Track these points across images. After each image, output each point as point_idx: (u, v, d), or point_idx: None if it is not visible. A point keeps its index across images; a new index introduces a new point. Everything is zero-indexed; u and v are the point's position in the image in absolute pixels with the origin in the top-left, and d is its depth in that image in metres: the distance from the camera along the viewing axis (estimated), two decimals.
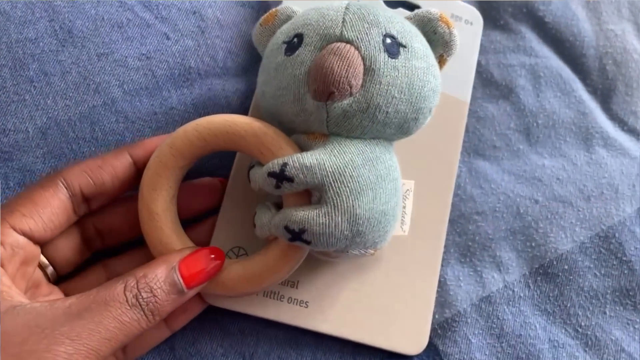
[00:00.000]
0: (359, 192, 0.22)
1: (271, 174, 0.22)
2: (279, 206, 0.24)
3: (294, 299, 0.27)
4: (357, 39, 0.22)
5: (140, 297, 0.20)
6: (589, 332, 0.28)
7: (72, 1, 0.29)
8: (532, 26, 0.33)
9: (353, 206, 0.22)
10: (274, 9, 0.26)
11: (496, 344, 0.28)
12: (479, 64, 0.32)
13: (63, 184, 0.23)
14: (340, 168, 0.22)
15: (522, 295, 0.29)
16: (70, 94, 0.28)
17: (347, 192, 0.22)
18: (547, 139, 0.32)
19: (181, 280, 0.21)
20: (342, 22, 0.23)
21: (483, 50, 0.33)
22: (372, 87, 0.22)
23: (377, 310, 0.27)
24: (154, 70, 0.29)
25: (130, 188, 0.25)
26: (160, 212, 0.24)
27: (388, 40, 0.23)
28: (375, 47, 0.22)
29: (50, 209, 0.22)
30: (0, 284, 0.20)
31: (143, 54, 0.29)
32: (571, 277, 0.29)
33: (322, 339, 0.27)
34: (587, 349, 0.28)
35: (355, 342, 0.27)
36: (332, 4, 0.24)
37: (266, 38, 0.26)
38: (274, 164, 0.22)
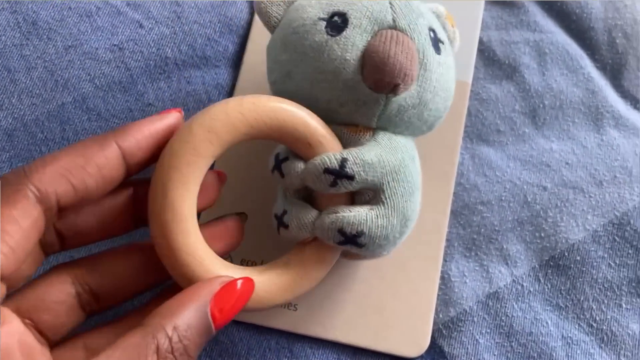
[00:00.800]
0: (410, 193, 0.22)
1: (329, 171, 0.21)
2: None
3: None
4: (410, 28, 0.22)
5: (174, 351, 0.18)
6: (604, 327, 0.27)
7: None
8: (536, 0, 0.31)
9: (405, 207, 0.22)
10: None
11: (505, 343, 0.27)
12: (480, 41, 0.31)
13: (35, 194, 0.18)
14: (397, 166, 0.22)
15: (531, 290, 0.28)
16: (37, 92, 0.27)
17: (401, 191, 0.22)
18: (555, 121, 0.30)
19: (212, 323, 0.19)
20: (391, 7, 0.22)
21: (485, 26, 0.31)
22: (425, 82, 0.22)
23: (372, 311, 0.27)
24: (127, 63, 0.28)
25: (113, 188, 0.20)
26: (188, 214, 0.20)
27: (432, 35, 0.23)
28: (425, 40, 0.22)
29: (20, 234, 0.17)
30: None
31: (115, 45, 0.28)
32: (584, 269, 0.28)
33: (317, 344, 0.26)
34: (602, 345, 0.27)
35: (353, 346, 0.26)
36: None
37: (282, 9, 0.23)
38: (331, 160, 0.21)
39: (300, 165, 0.21)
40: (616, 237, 0.28)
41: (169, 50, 0.28)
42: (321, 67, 0.21)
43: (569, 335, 0.27)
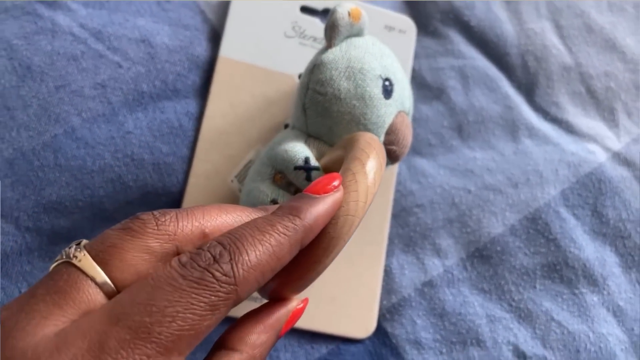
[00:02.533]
0: None
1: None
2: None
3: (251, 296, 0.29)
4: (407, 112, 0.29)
5: None
6: (521, 306, 0.32)
7: (28, 39, 0.31)
8: (459, 30, 0.36)
9: None
10: (358, 9, 0.27)
11: (439, 323, 0.31)
12: (413, 69, 0.35)
13: (235, 302, 0.18)
14: None
15: (460, 277, 0.32)
16: (33, 126, 0.30)
17: None
18: (478, 134, 0.34)
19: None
20: (402, 102, 0.28)
21: (416, 55, 0.35)
22: None
23: (327, 301, 0.30)
24: (109, 98, 0.31)
25: None
26: None
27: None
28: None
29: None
30: None
31: (98, 83, 0.31)
32: (504, 257, 0.32)
33: None
34: (520, 321, 0.31)
35: (311, 331, 0.30)
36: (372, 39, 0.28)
37: (347, 31, 0.26)
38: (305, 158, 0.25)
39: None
40: (530, 230, 0.33)
41: (145, 86, 0.31)
42: (367, 113, 0.26)
43: (492, 313, 0.31)
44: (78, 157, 0.30)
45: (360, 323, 0.30)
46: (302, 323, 0.30)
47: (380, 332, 0.31)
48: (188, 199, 0.30)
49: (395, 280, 0.31)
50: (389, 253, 0.32)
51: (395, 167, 0.33)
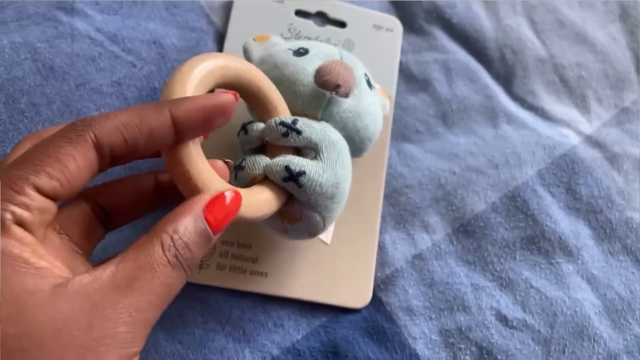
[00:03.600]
0: (342, 163, 0.27)
1: (283, 124, 0.26)
2: None
3: (255, 271, 0.32)
4: (352, 64, 0.30)
5: (180, 255, 0.20)
6: (503, 275, 0.35)
7: (50, 42, 0.34)
8: (441, 27, 0.39)
9: (337, 170, 0.27)
10: (266, 34, 0.32)
11: (429, 292, 0.34)
12: (400, 63, 0.38)
13: (93, 141, 0.19)
14: (334, 139, 0.27)
15: (447, 250, 0.35)
16: (57, 120, 0.33)
17: (335, 157, 0.27)
18: (461, 121, 0.38)
19: (208, 228, 0.21)
20: (339, 53, 0.30)
21: (403, 51, 0.38)
22: (359, 99, 0.29)
23: (327, 275, 0.33)
24: (125, 94, 0.34)
25: (158, 150, 0.22)
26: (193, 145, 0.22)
27: (366, 77, 0.31)
28: (361, 76, 0.30)
29: (77, 170, 0.19)
30: (39, 259, 0.18)
31: (115, 81, 0.34)
32: (486, 232, 0.35)
33: (285, 302, 0.33)
34: (502, 289, 0.34)
35: (312, 302, 0.33)
36: (318, 42, 0.31)
37: (257, 50, 0.31)
38: (287, 117, 0.27)
39: (260, 125, 0.27)
40: (510, 207, 0.36)
41: (157, 83, 0.34)
42: (286, 72, 0.29)
43: (477, 282, 0.34)
44: None
45: (357, 294, 0.33)
46: (304, 294, 0.32)
47: (376, 301, 0.33)
48: None
49: (388, 254, 0.34)
50: (382, 230, 0.35)
51: (385, 152, 0.36)
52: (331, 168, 0.26)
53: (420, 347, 0.32)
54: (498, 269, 0.35)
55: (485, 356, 0.33)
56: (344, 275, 0.33)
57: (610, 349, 0.34)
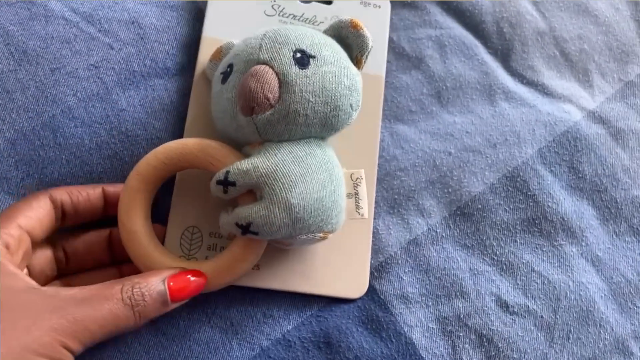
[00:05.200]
0: (290, 186, 0.26)
1: (218, 182, 0.27)
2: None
3: None
4: (271, 58, 0.27)
5: (133, 298, 0.24)
6: (503, 259, 0.33)
7: (23, 25, 0.32)
8: (435, 1, 0.37)
9: (287, 198, 0.26)
10: (218, 46, 0.31)
11: (425, 278, 0.32)
12: (391, 40, 0.36)
13: (49, 197, 0.27)
14: (272, 168, 0.26)
15: (444, 234, 0.33)
16: (32, 107, 0.31)
17: (279, 186, 0.26)
18: (456, 99, 0.36)
19: (168, 293, 0.25)
20: (260, 47, 0.27)
21: (394, 27, 0.37)
22: (288, 96, 0.26)
23: (321, 265, 0.32)
24: (103, 78, 0.33)
25: (97, 216, 0.29)
26: (137, 230, 0.28)
27: (298, 55, 0.27)
28: (286, 63, 0.26)
29: (43, 214, 0.27)
30: (18, 269, 0.25)
31: (91, 65, 0.33)
32: (485, 214, 0.34)
33: (274, 294, 0.31)
34: (502, 273, 0.33)
35: (304, 294, 0.31)
36: (256, 32, 0.29)
37: (210, 72, 0.31)
38: (220, 173, 0.27)
39: (212, 185, 0.27)
40: (509, 188, 0.34)
41: (136, 65, 0.33)
42: (220, 108, 0.28)
43: (475, 267, 0.33)
44: (76, 135, 0.32)
45: (353, 284, 0.32)
46: (298, 286, 0.31)
47: (369, 289, 0.32)
48: (180, 176, 0.32)
49: (382, 241, 0.33)
50: (375, 215, 0.33)
51: (377, 135, 0.34)
52: (277, 202, 0.26)
53: (416, 335, 0.31)
54: (498, 252, 0.33)
55: (486, 344, 0.31)
56: (339, 265, 0.32)
57: (617, 334, 0.32)
